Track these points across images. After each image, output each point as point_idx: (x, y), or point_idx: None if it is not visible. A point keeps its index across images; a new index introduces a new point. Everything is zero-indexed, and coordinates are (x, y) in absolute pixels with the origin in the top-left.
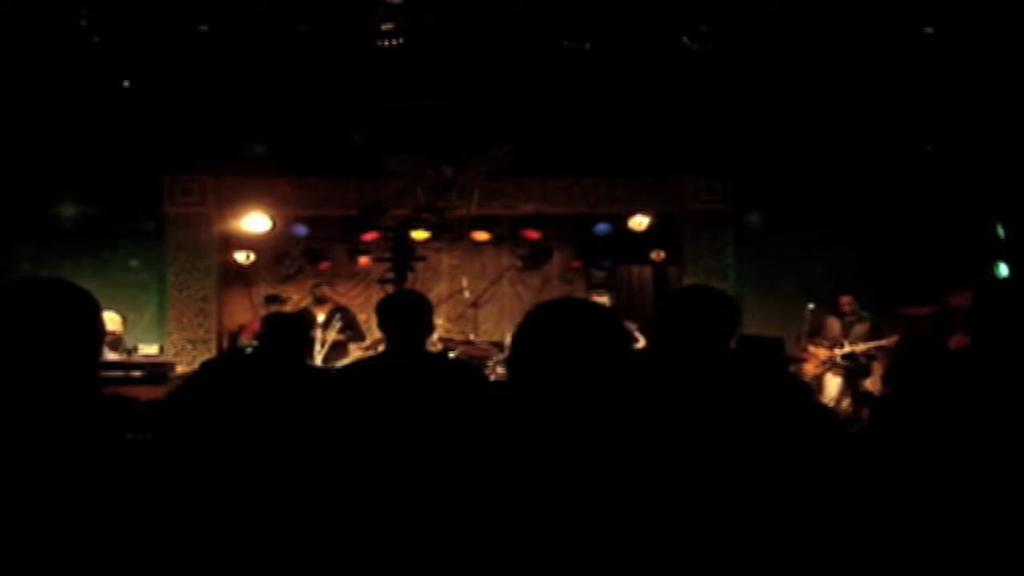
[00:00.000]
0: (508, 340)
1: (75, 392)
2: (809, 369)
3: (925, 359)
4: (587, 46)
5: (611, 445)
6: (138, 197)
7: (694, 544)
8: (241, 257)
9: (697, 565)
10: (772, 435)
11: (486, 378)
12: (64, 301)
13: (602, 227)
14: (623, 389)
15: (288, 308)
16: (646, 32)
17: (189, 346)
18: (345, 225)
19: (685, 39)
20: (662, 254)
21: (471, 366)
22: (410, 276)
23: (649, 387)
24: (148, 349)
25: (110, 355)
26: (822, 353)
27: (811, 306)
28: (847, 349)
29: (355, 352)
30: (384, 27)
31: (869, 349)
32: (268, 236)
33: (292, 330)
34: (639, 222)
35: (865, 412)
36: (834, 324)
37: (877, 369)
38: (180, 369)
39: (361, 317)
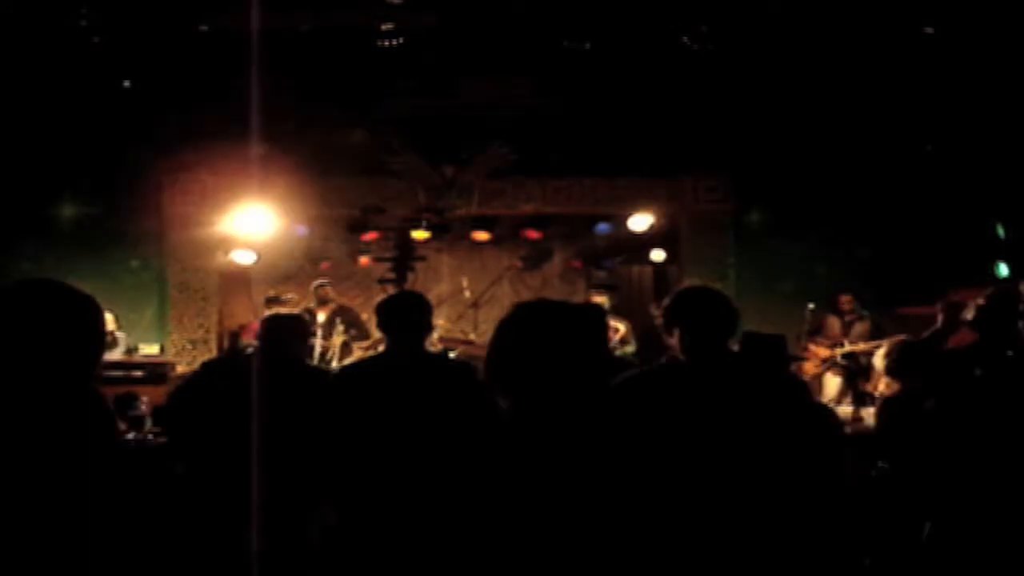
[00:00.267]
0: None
1: (75, 394)
2: (809, 368)
3: (929, 358)
4: (587, 46)
5: (592, 446)
6: (138, 197)
7: (691, 537)
8: (241, 257)
9: (695, 557)
10: (773, 434)
11: None
12: (66, 304)
13: (602, 227)
14: (601, 388)
15: (288, 308)
16: (646, 32)
17: (189, 346)
18: (345, 225)
19: (685, 39)
20: (662, 254)
21: (471, 366)
22: (410, 276)
23: (657, 386)
24: (148, 349)
25: (107, 355)
26: (822, 352)
27: (811, 306)
28: (847, 348)
29: (357, 352)
30: (384, 27)
31: (869, 348)
32: (268, 236)
33: (292, 330)
34: (639, 222)
35: (865, 412)
36: (834, 323)
37: (877, 369)
38: (180, 369)
39: (362, 317)
